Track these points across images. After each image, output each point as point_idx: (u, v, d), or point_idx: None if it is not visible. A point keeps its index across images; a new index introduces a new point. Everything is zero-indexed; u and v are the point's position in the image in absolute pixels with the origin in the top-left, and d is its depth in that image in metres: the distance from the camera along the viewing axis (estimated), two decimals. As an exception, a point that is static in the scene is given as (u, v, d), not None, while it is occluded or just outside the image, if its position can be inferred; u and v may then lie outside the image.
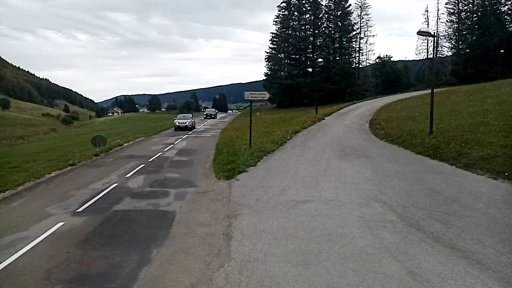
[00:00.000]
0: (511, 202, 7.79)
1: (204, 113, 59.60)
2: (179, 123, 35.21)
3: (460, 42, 60.25)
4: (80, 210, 9.13)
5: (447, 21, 61.86)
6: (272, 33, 68.84)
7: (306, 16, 67.57)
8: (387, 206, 7.80)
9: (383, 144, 16.14)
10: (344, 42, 65.68)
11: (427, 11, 68.86)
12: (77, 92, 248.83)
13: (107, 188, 11.42)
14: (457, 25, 60.66)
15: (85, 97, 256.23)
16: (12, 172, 15.57)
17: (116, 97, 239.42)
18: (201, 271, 5.43)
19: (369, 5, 75.93)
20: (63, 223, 8.09)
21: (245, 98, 17.32)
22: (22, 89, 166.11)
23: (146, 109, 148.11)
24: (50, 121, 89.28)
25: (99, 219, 8.29)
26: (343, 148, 15.38)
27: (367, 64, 69.15)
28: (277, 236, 6.52)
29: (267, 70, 69.50)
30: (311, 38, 66.61)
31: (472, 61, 54.34)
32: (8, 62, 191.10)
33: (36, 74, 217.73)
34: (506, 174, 9.23)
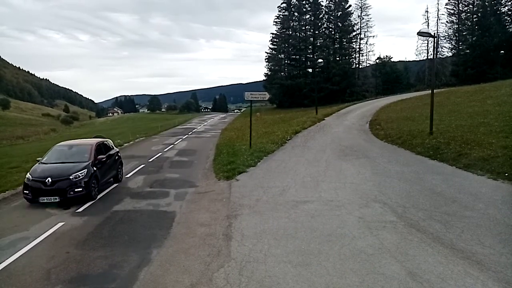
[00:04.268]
0: (511, 203, 7.79)
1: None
2: (36, 177, 9.67)
3: (460, 43, 60.28)
4: (80, 210, 9.12)
5: (447, 21, 62.01)
6: (272, 34, 69.01)
7: (306, 17, 67.63)
8: (387, 207, 7.80)
9: (383, 144, 16.14)
10: (344, 43, 65.73)
11: (427, 11, 68.97)
12: (77, 92, 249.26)
13: (107, 188, 11.41)
14: (457, 26, 60.70)
15: (85, 97, 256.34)
16: (12, 172, 15.55)
17: (116, 97, 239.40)
18: (201, 272, 5.43)
19: (369, 6, 76.18)
20: (63, 223, 8.09)
21: (245, 99, 17.33)
22: (22, 89, 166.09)
23: (146, 110, 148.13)
24: (50, 121, 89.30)
25: (99, 219, 8.29)
26: (343, 148, 15.38)
27: (367, 65, 69.31)
28: (277, 237, 6.52)
29: (267, 70, 69.58)
30: (311, 39, 66.65)
31: (472, 61, 54.37)
32: (8, 62, 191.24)
33: (37, 75, 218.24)
34: (506, 174, 9.24)
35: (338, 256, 5.60)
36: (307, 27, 67.56)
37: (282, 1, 67.18)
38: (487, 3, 56.54)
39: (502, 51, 45.50)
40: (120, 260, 6.03)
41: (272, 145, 16.75)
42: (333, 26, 66.08)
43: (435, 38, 18.85)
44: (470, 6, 58.84)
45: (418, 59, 69.77)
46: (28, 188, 9.49)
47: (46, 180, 9.38)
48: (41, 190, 9.37)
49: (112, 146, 12.92)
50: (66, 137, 47.12)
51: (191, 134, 32.11)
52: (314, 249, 5.93)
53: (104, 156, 11.14)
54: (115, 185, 11.91)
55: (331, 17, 65.60)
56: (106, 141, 12.80)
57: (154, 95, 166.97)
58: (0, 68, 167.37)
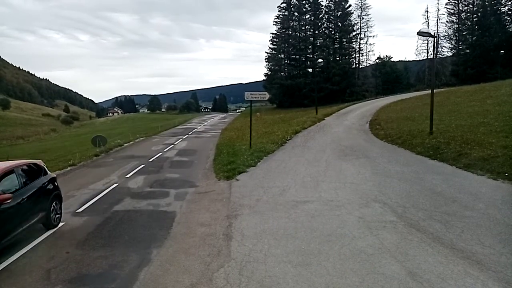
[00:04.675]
0: (511, 203, 7.79)
1: None
2: None
3: (460, 43, 60.26)
4: (80, 210, 9.14)
5: (447, 21, 62.00)
6: (272, 34, 69.00)
7: (306, 17, 67.61)
8: (387, 207, 7.80)
9: (383, 144, 16.14)
10: (344, 43, 65.70)
11: (427, 11, 68.79)
12: (77, 93, 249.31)
13: (107, 188, 11.43)
14: (457, 26, 60.69)
15: (85, 97, 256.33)
16: (12, 172, 15.56)
17: (116, 97, 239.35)
18: (201, 272, 5.43)
19: (369, 6, 76.20)
20: (63, 223, 8.10)
21: (245, 99, 17.34)
22: (22, 89, 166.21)
23: (146, 110, 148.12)
24: (50, 121, 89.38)
25: (99, 219, 8.29)
26: (343, 148, 15.38)
27: (367, 65, 69.24)
28: (277, 237, 6.53)
29: (267, 70, 69.56)
30: (311, 39, 66.62)
31: (472, 61, 54.36)
32: (8, 63, 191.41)
33: (36, 75, 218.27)
34: (506, 174, 9.24)
35: (338, 256, 5.60)
36: (307, 27, 67.53)
37: (282, 1, 67.19)
38: (487, 3, 56.53)
39: (502, 51, 45.48)
40: (120, 260, 6.03)
41: (272, 145, 16.76)
42: (333, 26, 66.05)
43: (435, 38, 18.87)
44: (470, 6, 58.83)
45: (418, 59, 69.83)
46: None
47: None
48: None
49: (45, 171, 8.27)
50: (67, 137, 47.14)
51: (191, 134, 32.10)
52: (314, 249, 5.93)
53: (11, 195, 6.41)
54: (115, 185, 11.89)
55: (331, 17, 65.57)
56: (30, 164, 7.90)
57: (154, 95, 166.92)
58: (0, 68, 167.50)
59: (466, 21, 59.63)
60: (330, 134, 20.15)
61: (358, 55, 67.11)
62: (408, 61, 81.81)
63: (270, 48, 69.33)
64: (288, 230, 6.81)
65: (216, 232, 7.01)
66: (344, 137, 18.58)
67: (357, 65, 67.47)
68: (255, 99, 17.76)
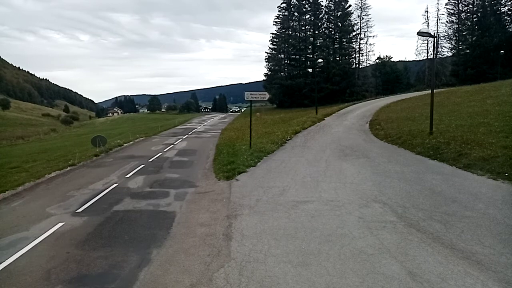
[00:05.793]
0: (511, 203, 7.79)
1: None
2: None
3: (460, 43, 60.29)
4: (80, 210, 9.13)
5: (447, 21, 62.06)
6: (272, 34, 69.02)
7: (306, 17, 67.62)
8: (387, 207, 7.80)
9: (383, 144, 16.14)
10: (344, 43, 65.73)
11: (427, 11, 69.03)
12: (77, 93, 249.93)
13: (107, 188, 11.42)
14: (457, 26, 60.73)
15: (85, 98, 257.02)
16: (12, 172, 15.58)
17: (116, 97, 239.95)
18: (201, 272, 5.43)
19: (369, 6, 76.33)
20: (63, 223, 8.09)
21: (245, 99, 17.32)
22: (22, 89, 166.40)
23: (146, 110, 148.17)
24: (50, 122, 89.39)
25: (99, 220, 8.29)
26: (343, 148, 15.38)
27: (367, 65, 69.23)
28: (277, 237, 6.53)
29: (267, 70, 69.58)
30: (311, 39, 66.63)
31: (472, 61, 54.38)
32: (8, 63, 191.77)
33: (37, 75, 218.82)
34: (506, 174, 9.24)
35: (338, 256, 5.60)
36: (307, 27, 67.53)
37: (282, 1, 67.20)
38: (487, 3, 56.55)
39: (502, 51, 45.49)
40: (120, 260, 6.04)
41: (272, 145, 16.76)
42: (333, 26, 66.06)
43: (435, 38, 18.84)
44: (470, 6, 58.86)
45: (418, 59, 69.87)
46: None
47: None
48: None
49: None
50: (66, 137, 47.11)
51: (191, 134, 32.09)
52: (314, 249, 5.93)
53: None
54: (115, 185, 11.90)
55: (331, 17, 65.59)
56: None
57: (154, 95, 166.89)
58: (0, 68, 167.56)
59: (466, 21, 59.66)
60: (330, 134, 20.15)
61: (358, 55, 67.16)
62: (408, 61, 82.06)
63: (270, 48, 69.40)
64: (288, 230, 6.81)
65: (216, 232, 7.01)
66: (344, 137, 18.57)
67: (357, 65, 67.48)
68: (255, 99, 17.74)
